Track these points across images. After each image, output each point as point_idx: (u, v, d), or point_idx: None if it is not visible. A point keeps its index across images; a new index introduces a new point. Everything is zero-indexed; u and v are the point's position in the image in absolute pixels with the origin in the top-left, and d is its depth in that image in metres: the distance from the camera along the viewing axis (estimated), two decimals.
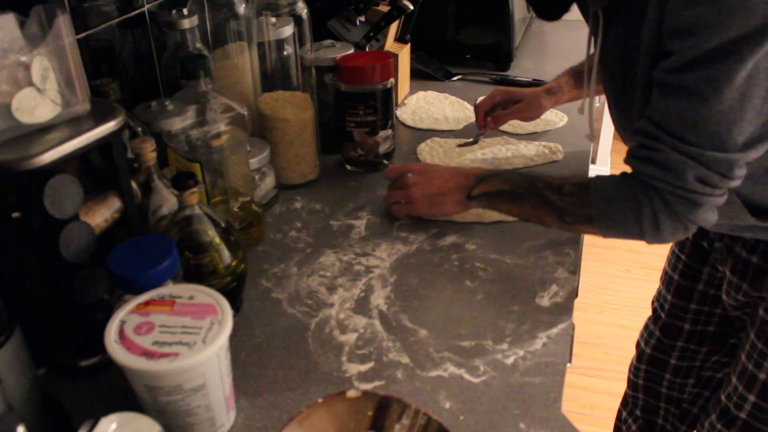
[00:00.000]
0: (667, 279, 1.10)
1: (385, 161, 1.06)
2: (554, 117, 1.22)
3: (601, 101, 1.91)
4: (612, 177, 0.76)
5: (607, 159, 2.43)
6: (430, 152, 1.12)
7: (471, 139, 1.14)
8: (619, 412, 1.27)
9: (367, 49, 1.17)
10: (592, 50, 0.86)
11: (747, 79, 0.61)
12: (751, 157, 0.67)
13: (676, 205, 0.69)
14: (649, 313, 1.16)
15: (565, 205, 0.77)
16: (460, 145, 1.13)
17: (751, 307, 0.89)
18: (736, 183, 0.68)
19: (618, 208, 0.73)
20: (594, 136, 1.02)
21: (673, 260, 1.08)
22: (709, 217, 0.71)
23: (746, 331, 0.89)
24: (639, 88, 0.73)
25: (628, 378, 1.21)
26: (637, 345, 1.18)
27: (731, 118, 0.63)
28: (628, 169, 0.75)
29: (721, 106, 0.63)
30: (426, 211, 0.90)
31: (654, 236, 0.72)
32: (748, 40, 0.59)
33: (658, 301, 1.13)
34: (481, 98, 1.15)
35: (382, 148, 1.05)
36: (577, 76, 1.10)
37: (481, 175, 0.85)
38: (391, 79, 1.03)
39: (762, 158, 0.68)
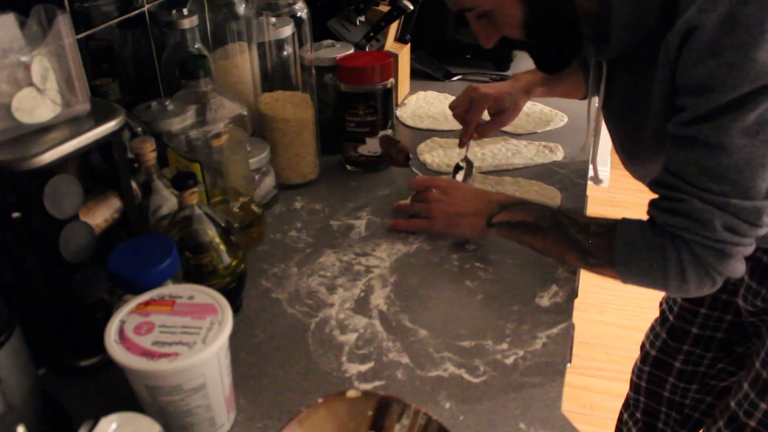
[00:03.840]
0: None
1: (414, 169, 1.00)
2: (554, 117, 1.22)
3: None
4: (639, 222, 0.72)
5: (607, 159, 2.43)
6: (430, 152, 1.12)
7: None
8: (621, 413, 1.27)
9: (367, 49, 1.17)
10: (592, 96, 0.85)
11: (762, 124, 0.61)
12: None
13: (704, 256, 0.67)
14: (650, 313, 1.16)
15: (589, 246, 0.74)
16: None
17: None
18: (765, 230, 0.66)
19: (643, 255, 0.70)
20: (598, 179, 0.98)
21: None
22: (738, 268, 0.68)
23: (762, 339, 0.88)
24: (648, 136, 0.73)
25: (631, 380, 1.20)
26: (642, 346, 1.17)
27: (753, 165, 0.62)
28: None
29: (741, 153, 0.62)
30: (443, 230, 0.87)
31: (679, 287, 0.69)
32: (761, 91, 0.59)
33: (667, 303, 1.11)
34: (455, 101, 1.07)
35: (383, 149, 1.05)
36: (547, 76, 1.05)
37: (505, 202, 0.83)
38: (391, 79, 1.03)
39: None
